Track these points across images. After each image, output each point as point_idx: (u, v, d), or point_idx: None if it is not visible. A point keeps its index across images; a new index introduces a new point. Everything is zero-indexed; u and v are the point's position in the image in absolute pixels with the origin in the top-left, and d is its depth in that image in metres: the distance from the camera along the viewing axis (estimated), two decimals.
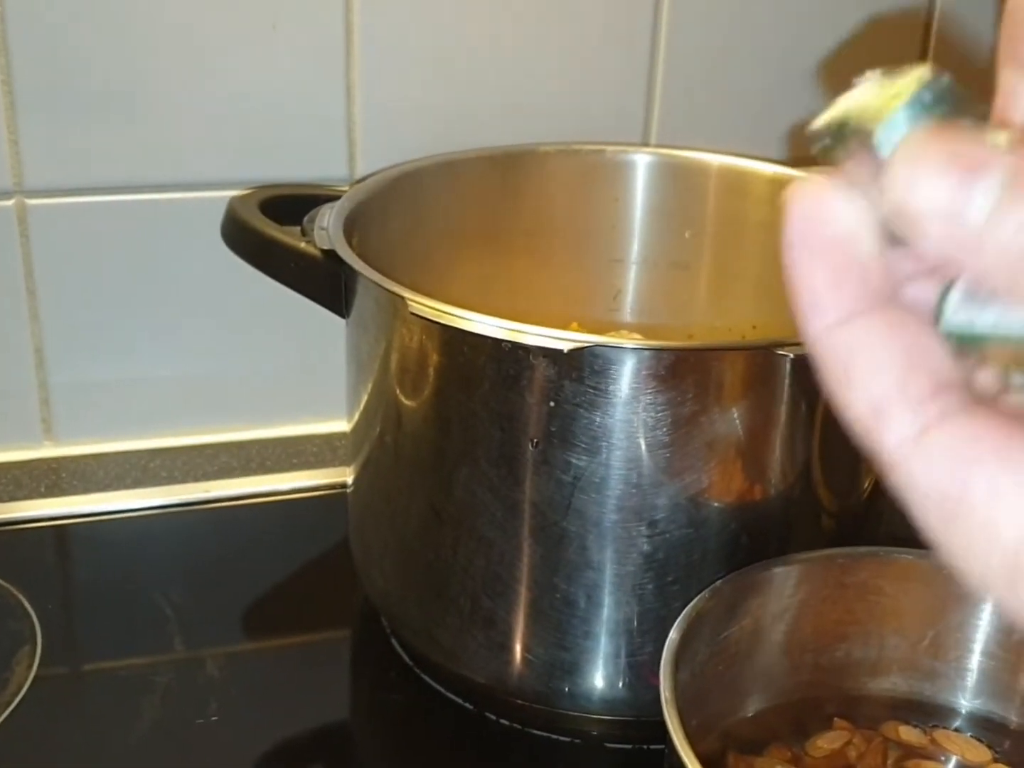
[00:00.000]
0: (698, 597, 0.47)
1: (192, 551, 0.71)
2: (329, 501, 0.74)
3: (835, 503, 0.55)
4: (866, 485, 0.56)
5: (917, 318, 0.23)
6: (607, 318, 0.73)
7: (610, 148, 0.71)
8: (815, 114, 0.25)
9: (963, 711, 0.52)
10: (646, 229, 0.71)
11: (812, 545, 0.53)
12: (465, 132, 0.74)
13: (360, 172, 0.75)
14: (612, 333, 0.71)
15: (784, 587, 0.50)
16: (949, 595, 0.50)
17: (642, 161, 0.70)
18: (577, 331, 0.70)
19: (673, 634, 0.45)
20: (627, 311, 0.73)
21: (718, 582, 0.48)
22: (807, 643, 0.51)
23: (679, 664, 0.44)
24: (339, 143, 0.74)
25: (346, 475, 0.63)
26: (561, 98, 0.77)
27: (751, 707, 0.51)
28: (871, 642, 0.52)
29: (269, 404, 0.80)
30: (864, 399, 0.24)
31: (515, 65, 0.75)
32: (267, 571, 0.69)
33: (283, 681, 0.61)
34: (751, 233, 0.69)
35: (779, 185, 0.67)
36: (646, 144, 0.78)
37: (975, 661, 0.51)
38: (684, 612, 0.46)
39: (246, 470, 0.77)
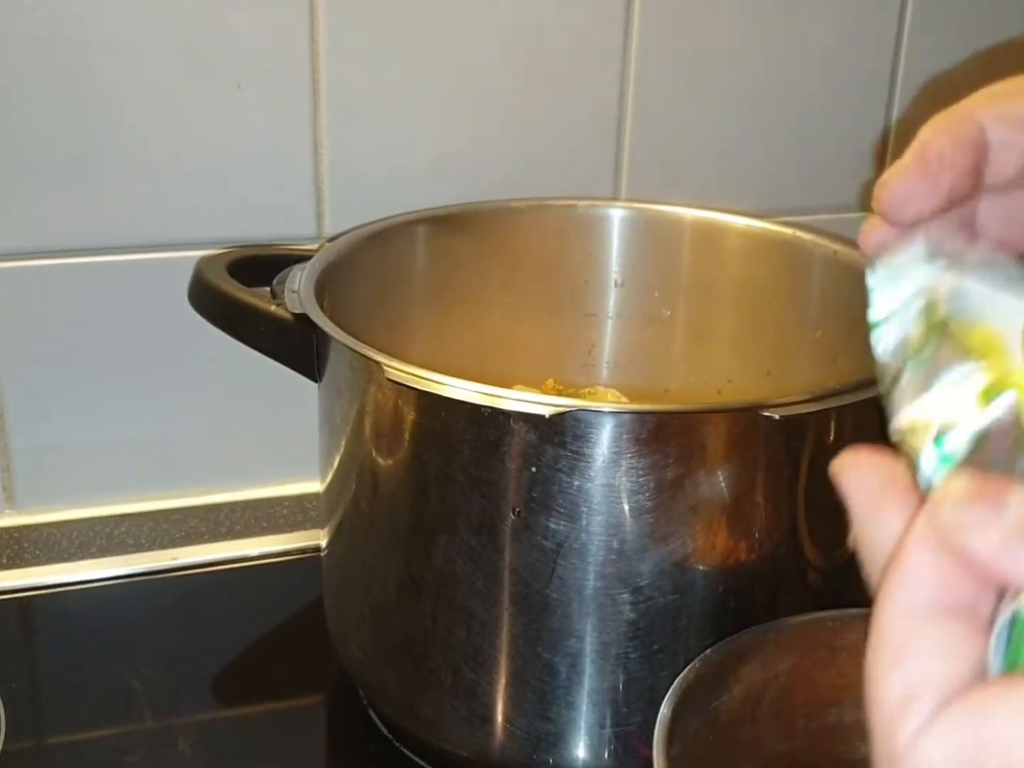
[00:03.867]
0: (688, 668, 0.46)
1: (160, 621, 0.69)
2: (301, 565, 0.73)
3: (821, 559, 0.55)
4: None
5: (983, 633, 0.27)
6: (582, 373, 0.72)
7: (582, 203, 0.70)
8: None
9: None
10: (620, 283, 0.71)
11: (800, 603, 0.52)
12: (434, 189, 0.73)
13: (328, 230, 0.74)
14: (588, 390, 0.70)
15: (774, 653, 0.49)
16: None
17: (615, 215, 0.70)
18: (553, 388, 0.69)
19: (664, 708, 0.44)
20: (602, 366, 0.73)
21: (708, 651, 0.47)
22: (799, 708, 0.50)
23: (671, 739, 0.43)
24: (307, 201, 0.73)
25: (318, 538, 0.62)
26: (530, 154, 0.76)
27: None
28: (864, 705, 0.51)
29: (237, 466, 0.78)
30: (902, 683, 0.27)
31: (483, 121, 0.75)
32: (238, 640, 0.68)
33: (257, 753, 0.59)
34: (725, 286, 0.69)
35: (752, 238, 0.67)
36: (617, 198, 0.78)
37: None
38: (674, 684, 0.45)
39: (215, 535, 0.75)
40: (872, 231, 0.37)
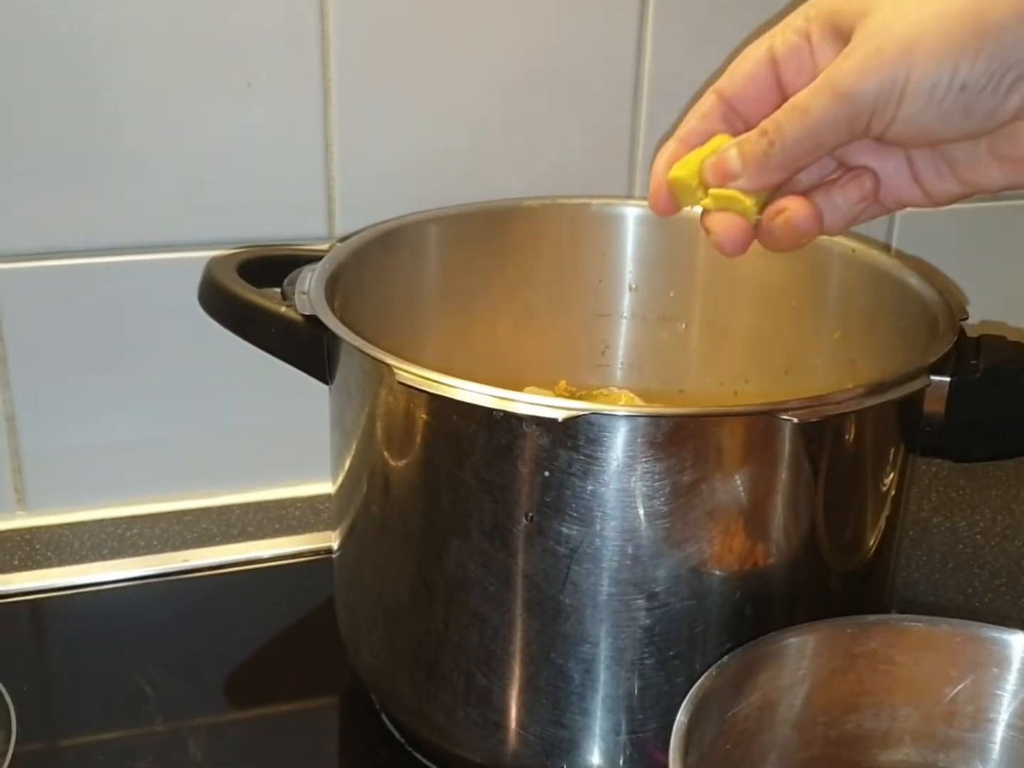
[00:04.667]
0: (705, 675, 0.45)
1: (172, 622, 0.69)
2: (313, 566, 0.72)
3: (840, 564, 0.54)
4: (871, 546, 0.55)
5: None
6: (596, 374, 0.71)
7: (595, 201, 0.69)
8: None
9: None
10: (634, 283, 0.70)
11: (818, 609, 0.51)
12: (446, 189, 0.72)
13: (339, 230, 0.73)
14: (602, 391, 0.70)
15: (792, 660, 0.48)
16: (962, 663, 0.48)
17: (629, 214, 0.69)
18: (566, 389, 0.68)
19: (681, 716, 0.43)
20: (616, 366, 0.72)
21: (724, 658, 0.46)
22: (817, 716, 0.49)
23: (688, 747, 0.42)
24: (318, 201, 0.73)
25: (330, 540, 0.62)
26: (544, 152, 0.75)
27: None
28: (882, 713, 0.50)
29: (250, 467, 0.78)
30: None
31: (495, 120, 0.74)
32: (250, 642, 0.67)
33: (268, 758, 0.59)
34: (741, 286, 0.68)
35: None
36: (631, 196, 0.77)
37: (997, 731, 0.49)
38: (691, 692, 0.44)
39: (227, 536, 0.75)
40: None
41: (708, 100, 0.47)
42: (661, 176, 0.48)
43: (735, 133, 0.46)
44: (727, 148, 0.45)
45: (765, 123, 0.44)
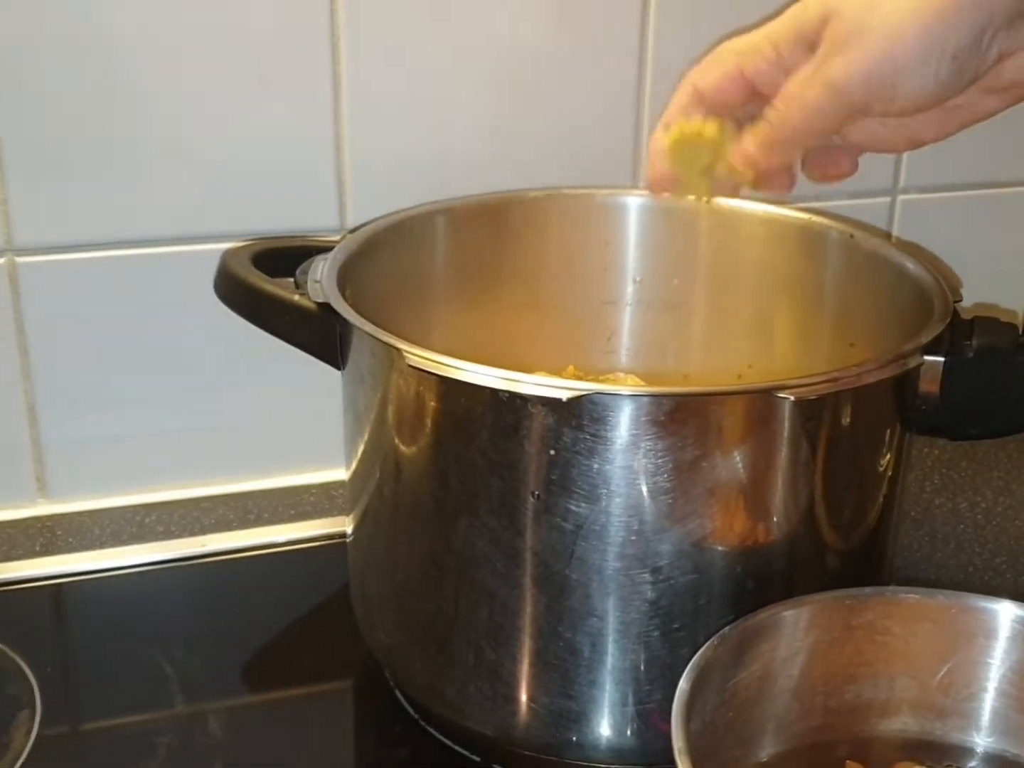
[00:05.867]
0: (706, 644, 0.47)
1: (190, 606, 0.70)
2: (328, 551, 0.74)
3: (839, 542, 0.55)
4: (869, 524, 0.56)
5: None
6: (601, 361, 0.73)
7: (600, 191, 0.71)
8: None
9: (977, 750, 0.51)
10: (638, 271, 0.71)
11: (817, 585, 0.53)
12: (453, 180, 0.74)
13: (350, 222, 0.75)
14: (608, 376, 0.71)
15: (792, 631, 0.49)
16: (959, 634, 0.50)
17: (633, 203, 0.70)
18: (573, 375, 0.70)
19: (683, 684, 0.44)
20: (622, 353, 0.73)
21: (726, 628, 0.48)
22: (816, 686, 0.50)
23: (690, 714, 0.44)
24: (329, 193, 0.74)
25: (344, 524, 0.63)
26: (549, 143, 0.77)
27: (762, 753, 0.50)
28: (880, 683, 0.51)
29: (265, 455, 0.80)
30: None
31: (502, 112, 0.76)
32: (267, 624, 0.69)
33: (287, 736, 0.60)
34: (743, 272, 0.69)
35: (769, 224, 0.68)
36: (634, 186, 0.78)
37: (987, 699, 0.50)
38: (693, 660, 0.46)
39: (243, 522, 0.77)
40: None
41: (686, 91, 0.53)
42: (658, 157, 0.53)
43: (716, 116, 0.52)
44: (744, 139, 0.51)
45: (770, 110, 0.48)
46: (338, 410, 0.62)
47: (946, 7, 0.42)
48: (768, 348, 0.70)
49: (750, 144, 0.50)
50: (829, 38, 0.45)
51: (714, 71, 0.51)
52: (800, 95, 0.46)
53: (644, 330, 0.73)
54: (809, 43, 0.47)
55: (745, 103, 0.51)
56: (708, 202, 0.55)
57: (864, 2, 0.44)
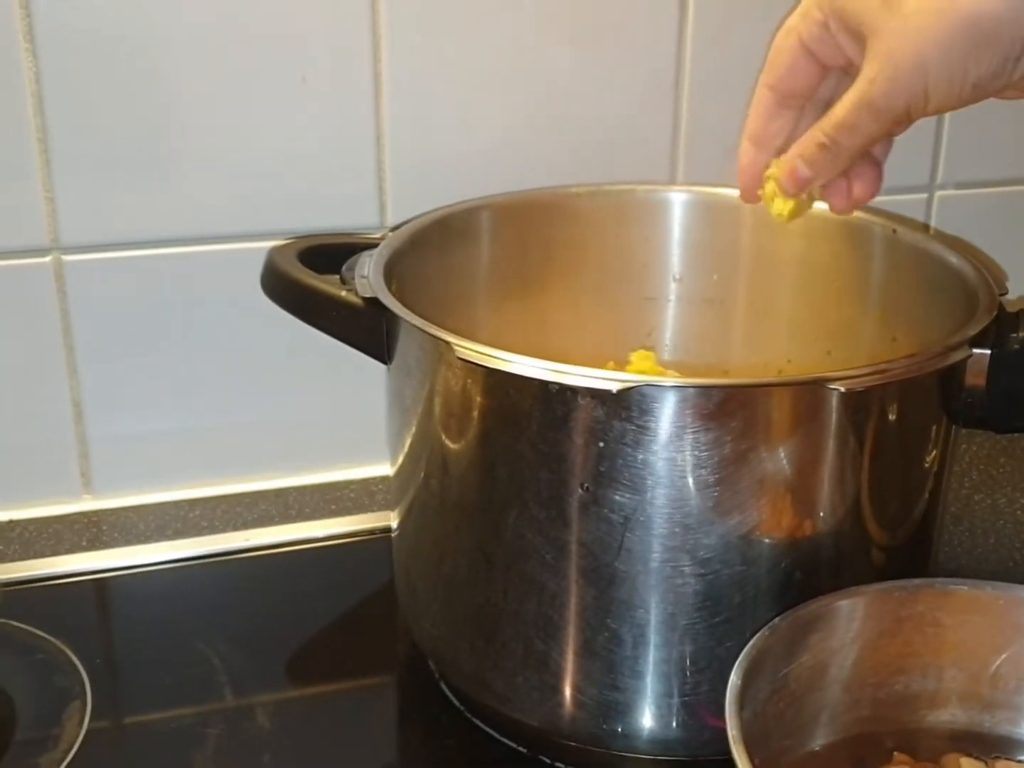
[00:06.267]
0: (758, 635, 0.47)
1: (233, 600, 0.71)
2: (368, 546, 0.74)
3: (885, 535, 0.55)
4: (915, 517, 0.56)
5: None
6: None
7: (640, 187, 0.71)
8: None
9: None
10: (678, 267, 0.72)
11: (863, 579, 0.53)
12: (492, 178, 0.74)
13: (391, 219, 0.75)
14: (648, 372, 0.71)
15: (843, 622, 0.49)
16: (1008, 625, 0.50)
17: (674, 199, 0.71)
18: (615, 371, 0.70)
19: (734, 676, 0.45)
20: (662, 349, 0.74)
21: (776, 619, 0.48)
22: (866, 677, 0.51)
23: (742, 703, 0.44)
24: (370, 191, 0.75)
25: (386, 520, 0.64)
26: (588, 140, 0.77)
27: (811, 743, 0.50)
28: (929, 674, 0.51)
29: (306, 451, 0.80)
30: None
31: (541, 108, 0.76)
32: (310, 618, 0.69)
33: (334, 729, 0.61)
34: (784, 268, 0.69)
35: (811, 219, 0.67)
36: (673, 182, 0.78)
37: None
38: (745, 650, 0.46)
39: (285, 517, 0.77)
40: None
41: (762, 96, 0.54)
42: (747, 174, 0.56)
43: (795, 113, 0.54)
44: (793, 158, 0.53)
45: (823, 137, 0.51)
46: (378, 406, 0.62)
47: (967, 44, 0.45)
48: (808, 344, 0.70)
49: (803, 167, 0.52)
50: (870, 63, 0.47)
51: (780, 59, 0.53)
52: (851, 120, 0.49)
53: (684, 326, 0.73)
54: (857, 36, 0.49)
55: (819, 84, 0.53)
56: (787, 220, 0.56)
57: (900, 25, 0.46)
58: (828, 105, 0.53)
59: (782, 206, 0.55)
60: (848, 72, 0.51)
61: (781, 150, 0.55)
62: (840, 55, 0.51)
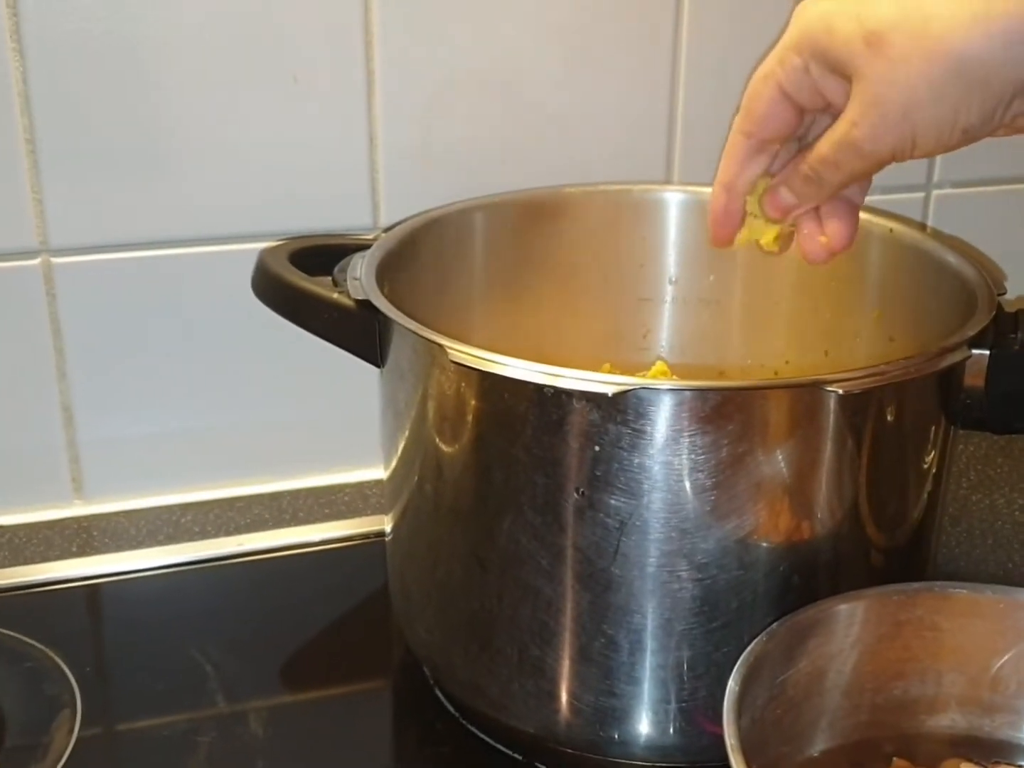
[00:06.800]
0: (756, 640, 0.46)
1: (228, 605, 0.70)
2: (363, 550, 0.74)
3: (884, 538, 0.55)
4: (913, 519, 0.56)
5: None
6: (637, 358, 0.72)
7: (636, 187, 0.71)
8: None
9: None
10: (674, 267, 0.71)
11: (862, 582, 0.52)
12: (487, 178, 0.74)
13: (384, 220, 0.75)
14: (644, 373, 0.71)
15: (841, 627, 0.49)
16: (1007, 629, 0.50)
17: (670, 199, 0.70)
18: (611, 372, 0.69)
19: (732, 682, 0.44)
20: (658, 350, 0.73)
21: (774, 625, 0.47)
22: (865, 682, 0.50)
23: (740, 709, 0.43)
24: (363, 192, 0.74)
25: (380, 524, 0.63)
26: (582, 139, 0.77)
27: (810, 750, 0.50)
28: (929, 679, 0.51)
29: (299, 455, 0.80)
30: None
31: (535, 108, 0.75)
32: (304, 623, 0.69)
33: (328, 735, 0.60)
34: (781, 269, 0.68)
35: None
36: (669, 182, 0.78)
37: None
38: (743, 656, 0.45)
39: (278, 522, 0.77)
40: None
41: (738, 143, 0.52)
42: (722, 221, 0.54)
43: (769, 157, 0.53)
44: (777, 186, 0.52)
45: (808, 170, 0.50)
46: (372, 409, 0.62)
47: (956, 91, 0.44)
48: (806, 345, 0.69)
49: (787, 194, 0.51)
50: (856, 105, 0.46)
51: (757, 106, 0.50)
52: (835, 158, 0.48)
53: (680, 327, 0.72)
54: (842, 75, 0.47)
55: (797, 127, 0.51)
56: (779, 251, 0.55)
57: (886, 69, 0.45)
58: (801, 142, 0.52)
59: (768, 237, 0.54)
60: (827, 112, 0.50)
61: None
62: (820, 98, 0.49)
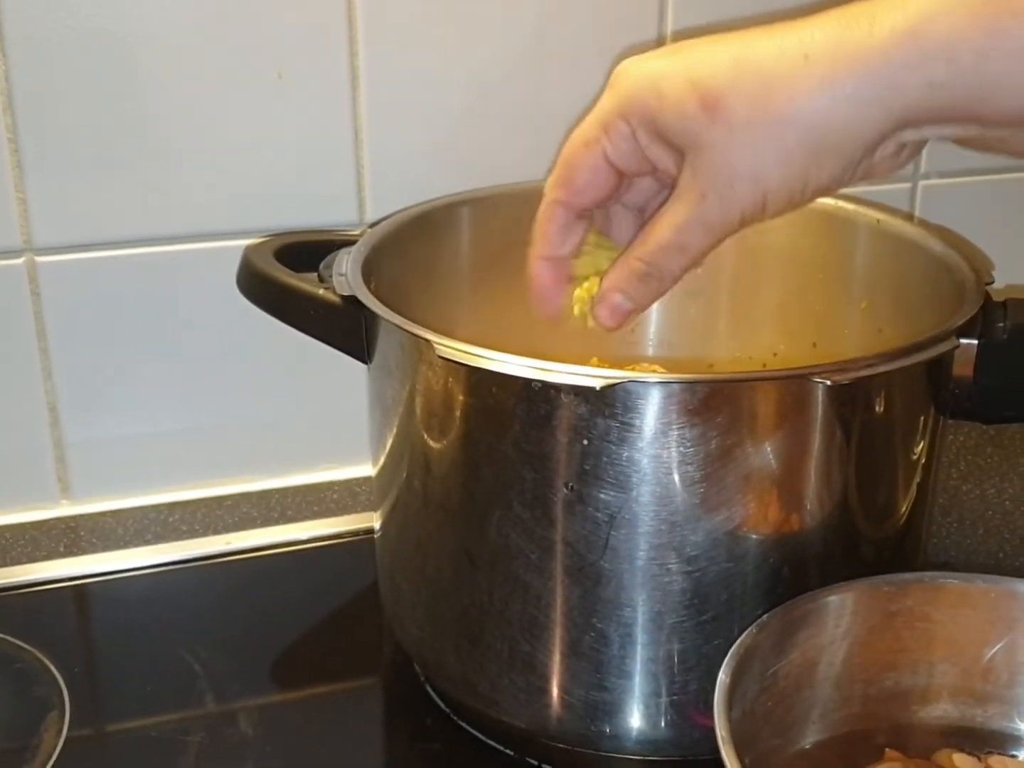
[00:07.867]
0: (746, 633, 0.46)
1: (215, 605, 0.70)
2: (352, 547, 0.74)
3: (874, 528, 0.55)
4: (903, 510, 0.56)
5: None
6: (626, 351, 0.72)
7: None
8: None
9: (1019, 735, 0.51)
10: None
11: (852, 573, 0.52)
12: (473, 173, 0.73)
13: (370, 216, 0.75)
14: (633, 366, 0.70)
15: (831, 618, 0.49)
16: (998, 619, 0.49)
17: None
18: (599, 366, 0.69)
19: (723, 674, 0.44)
20: (646, 343, 0.73)
21: (765, 616, 0.47)
22: (856, 674, 0.50)
23: (731, 702, 0.43)
24: (348, 188, 0.74)
25: (368, 521, 0.63)
26: (568, 133, 0.76)
27: (802, 742, 0.50)
28: (920, 670, 0.51)
29: (287, 452, 0.79)
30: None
31: (519, 104, 0.75)
32: (293, 621, 0.68)
33: (318, 733, 0.60)
34: (768, 260, 0.69)
35: (796, 212, 0.67)
36: None
37: None
38: (733, 649, 0.45)
39: (267, 520, 0.77)
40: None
41: (555, 213, 0.50)
42: (549, 296, 0.52)
43: (588, 223, 0.51)
44: (608, 294, 0.49)
45: (643, 267, 0.47)
46: (360, 406, 0.62)
47: (805, 156, 0.42)
48: (794, 336, 0.69)
49: (622, 301, 0.49)
50: (698, 177, 0.44)
51: (576, 175, 0.48)
52: (681, 240, 0.45)
53: (668, 320, 0.72)
54: (673, 147, 0.45)
55: (616, 192, 0.49)
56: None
57: (727, 135, 0.42)
58: (619, 201, 0.49)
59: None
60: (651, 176, 0.48)
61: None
62: (647, 165, 0.46)
